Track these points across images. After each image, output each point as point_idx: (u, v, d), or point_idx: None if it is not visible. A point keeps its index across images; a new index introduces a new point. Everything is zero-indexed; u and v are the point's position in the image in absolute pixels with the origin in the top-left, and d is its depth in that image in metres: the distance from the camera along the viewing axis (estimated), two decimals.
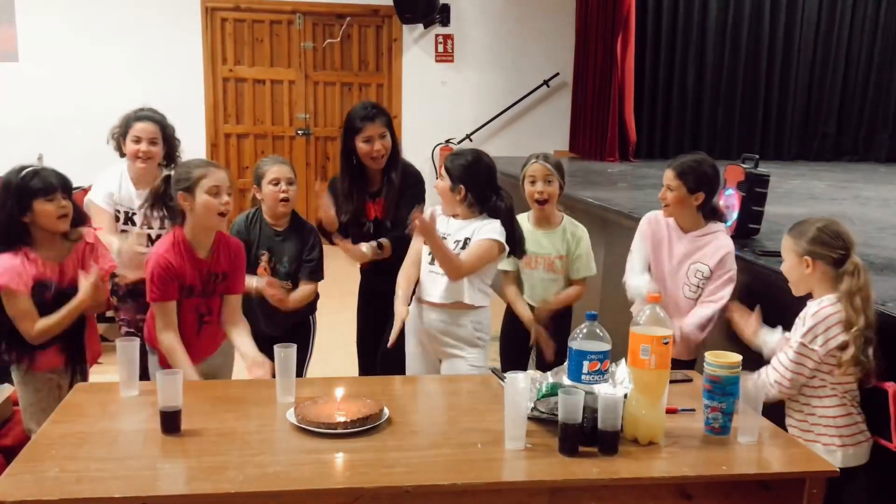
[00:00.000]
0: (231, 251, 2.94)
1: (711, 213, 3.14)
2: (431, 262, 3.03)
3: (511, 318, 3.48)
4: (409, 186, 3.54)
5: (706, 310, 3.05)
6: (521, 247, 3.12)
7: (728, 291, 3.03)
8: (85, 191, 6.74)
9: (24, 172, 2.84)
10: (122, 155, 3.56)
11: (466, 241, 2.99)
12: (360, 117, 3.43)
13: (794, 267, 2.49)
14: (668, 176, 3.08)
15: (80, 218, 2.98)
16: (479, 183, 3.01)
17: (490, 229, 2.97)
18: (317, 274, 3.42)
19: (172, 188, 2.80)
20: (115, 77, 7.90)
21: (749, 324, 2.76)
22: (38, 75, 7.88)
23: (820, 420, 2.45)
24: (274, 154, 3.50)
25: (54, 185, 2.83)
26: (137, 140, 3.47)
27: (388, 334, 3.07)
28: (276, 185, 3.32)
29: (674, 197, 3.07)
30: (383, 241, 3.43)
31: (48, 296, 2.83)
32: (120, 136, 3.54)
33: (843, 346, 2.35)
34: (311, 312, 3.55)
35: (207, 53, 8.25)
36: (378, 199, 3.50)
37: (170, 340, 2.77)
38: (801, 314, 2.45)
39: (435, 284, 3.03)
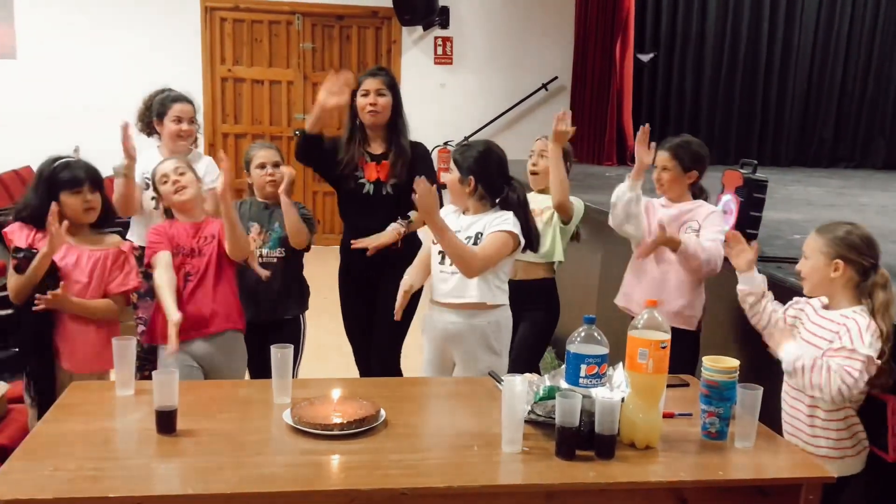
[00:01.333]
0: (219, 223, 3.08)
1: (700, 192, 3.28)
2: (442, 261, 2.94)
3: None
4: (419, 156, 3.57)
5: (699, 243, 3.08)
6: (536, 240, 3.04)
7: (720, 232, 3.04)
8: None
9: (56, 164, 2.93)
10: (151, 134, 3.72)
11: (479, 236, 2.88)
12: (363, 74, 3.52)
13: (819, 268, 2.41)
14: (663, 157, 3.18)
15: (110, 213, 3.06)
16: (490, 174, 2.93)
17: (503, 221, 2.86)
18: (309, 222, 3.45)
19: None
20: (113, 75, 7.88)
21: (744, 252, 2.73)
22: (37, 73, 7.86)
23: (824, 426, 2.40)
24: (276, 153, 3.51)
25: (81, 178, 2.90)
26: (178, 120, 3.65)
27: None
28: (263, 168, 3.46)
29: (669, 176, 3.20)
30: (411, 214, 3.43)
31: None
32: (156, 117, 3.66)
33: (879, 357, 2.29)
34: (301, 311, 3.54)
35: (206, 53, 8.25)
36: (383, 163, 3.51)
37: (161, 279, 2.92)
38: (848, 325, 2.31)
39: (446, 283, 2.93)
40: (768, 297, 2.69)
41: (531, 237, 2.98)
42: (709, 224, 3.14)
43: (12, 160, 7.24)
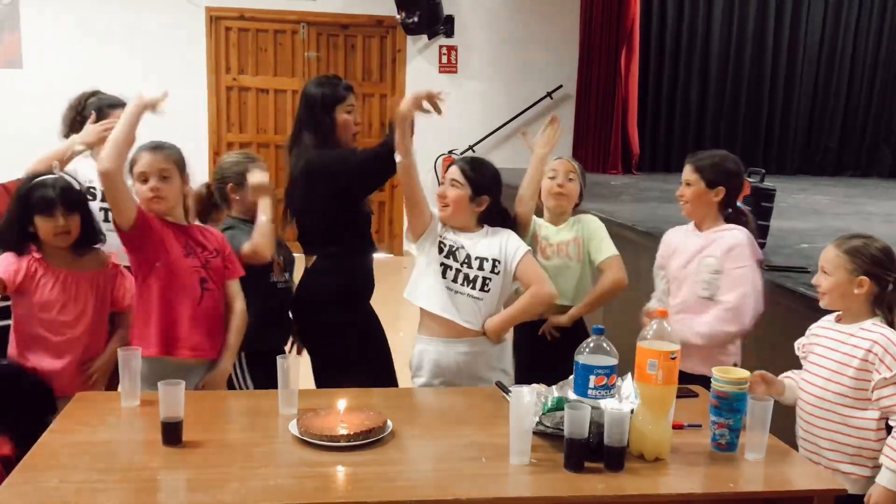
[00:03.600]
0: (216, 236, 2.88)
1: (735, 217, 2.91)
2: (457, 280, 2.78)
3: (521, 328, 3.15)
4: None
5: (709, 315, 2.80)
6: None
7: (740, 293, 2.76)
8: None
9: (30, 183, 2.77)
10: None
11: (496, 263, 2.78)
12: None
13: (842, 283, 2.34)
14: (686, 171, 2.91)
15: (91, 234, 2.85)
16: (499, 196, 2.89)
17: (518, 241, 2.84)
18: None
19: None
20: (118, 84, 7.86)
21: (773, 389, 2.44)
22: (42, 82, 7.88)
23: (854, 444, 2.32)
24: (264, 163, 3.26)
25: (53, 200, 2.71)
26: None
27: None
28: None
29: (692, 192, 2.89)
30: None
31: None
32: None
33: None
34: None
35: (211, 62, 8.26)
36: None
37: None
38: (879, 349, 2.26)
39: (461, 310, 2.78)
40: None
41: None
42: (730, 263, 2.78)
43: (18, 168, 7.24)
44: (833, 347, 2.38)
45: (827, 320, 2.47)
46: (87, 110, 3.40)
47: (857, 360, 2.29)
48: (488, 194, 2.84)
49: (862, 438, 2.31)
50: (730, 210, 2.92)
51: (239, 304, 2.86)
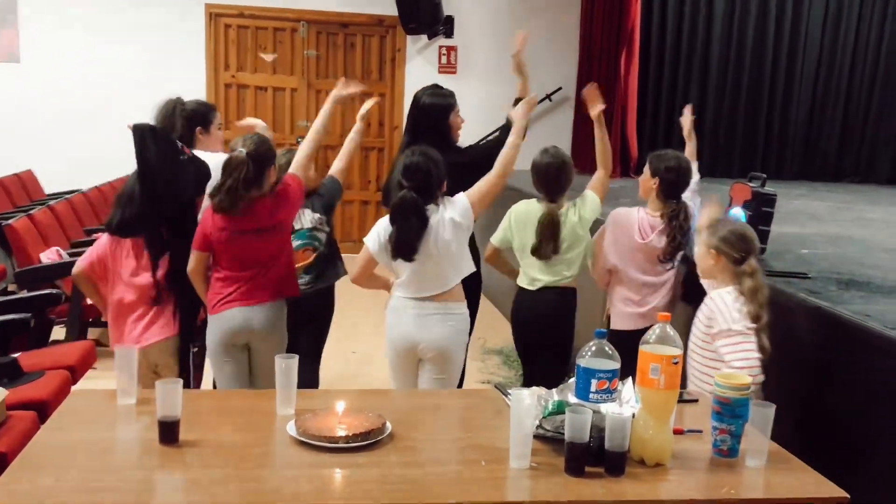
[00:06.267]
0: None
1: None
2: None
3: (521, 298, 3.52)
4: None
5: None
6: None
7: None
8: (85, 194, 6.68)
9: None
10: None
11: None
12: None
13: (703, 256, 2.89)
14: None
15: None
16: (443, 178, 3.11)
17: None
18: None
19: None
20: (116, 80, 7.88)
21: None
22: (40, 77, 7.86)
23: None
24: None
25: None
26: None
27: None
28: None
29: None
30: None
31: None
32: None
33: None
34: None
35: (210, 59, 8.24)
36: None
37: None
38: (707, 308, 2.80)
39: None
40: None
41: None
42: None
43: (15, 164, 7.22)
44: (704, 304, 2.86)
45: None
46: (187, 118, 3.42)
47: (703, 316, 2.80)
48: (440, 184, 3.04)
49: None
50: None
51: None
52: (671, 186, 3.32)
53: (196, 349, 3.27)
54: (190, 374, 3.18)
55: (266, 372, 2.94)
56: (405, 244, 2.96)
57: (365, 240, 3.08)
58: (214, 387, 3.27)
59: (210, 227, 3.05)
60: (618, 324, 3.38)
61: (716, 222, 2.92)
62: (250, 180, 2.98)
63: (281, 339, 3.17)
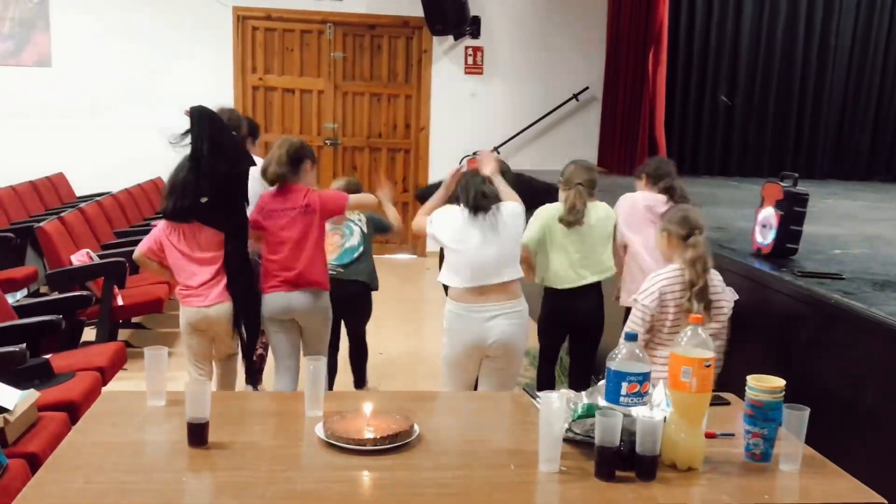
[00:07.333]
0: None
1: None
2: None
3: (549, 299, 3.81)
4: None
5: None
6: None
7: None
8: (115, 196, 6.74)
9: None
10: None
11: None
12: None
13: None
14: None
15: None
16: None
17: None
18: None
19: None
20: (145, 83, 7.95)
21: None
22: (71, 81, 7.95)
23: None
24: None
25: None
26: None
27: None
28: None
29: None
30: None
31: None
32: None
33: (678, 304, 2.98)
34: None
35: (238, 62, 8.29)
36: None
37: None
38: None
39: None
40: None
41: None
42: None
43: (46, 167, 7.32)
44: None
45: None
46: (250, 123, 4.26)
47: None
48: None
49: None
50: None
51: None
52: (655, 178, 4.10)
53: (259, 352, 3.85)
54: (243, 341, 3.56)
55: (311, 342, 3.64)
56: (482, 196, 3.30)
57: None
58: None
59: (256, 210, 3.54)
60: (627, 300, 3.58)
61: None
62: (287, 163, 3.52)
63: (325, 317, 3.64)
